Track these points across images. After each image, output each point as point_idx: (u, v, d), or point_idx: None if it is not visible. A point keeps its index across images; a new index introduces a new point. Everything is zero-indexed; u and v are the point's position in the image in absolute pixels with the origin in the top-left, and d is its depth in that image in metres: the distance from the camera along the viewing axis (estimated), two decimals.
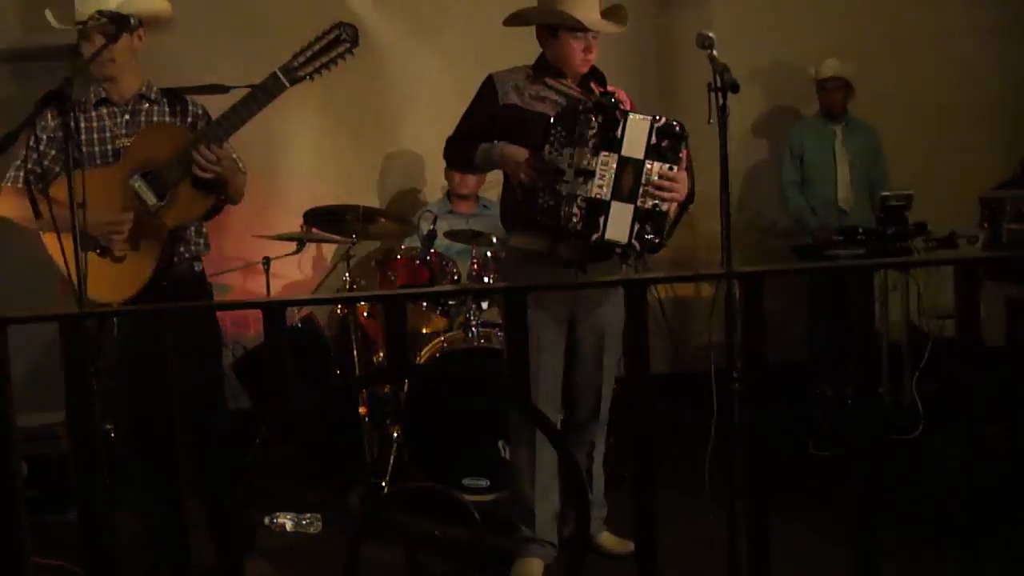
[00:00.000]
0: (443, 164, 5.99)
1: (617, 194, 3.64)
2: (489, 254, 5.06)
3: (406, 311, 2.45)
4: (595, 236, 3.66)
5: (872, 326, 5.51)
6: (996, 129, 6.73)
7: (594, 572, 3.92)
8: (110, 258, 3.53)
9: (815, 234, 5.89)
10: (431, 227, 5.25)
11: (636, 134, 3.63)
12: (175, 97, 3.75)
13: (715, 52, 3.13)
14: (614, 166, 3.63)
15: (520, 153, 3.76)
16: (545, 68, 3.91)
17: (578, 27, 3.75)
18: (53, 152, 3.64)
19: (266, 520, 4.60)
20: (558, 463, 3.99)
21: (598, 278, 3.94)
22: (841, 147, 6.10)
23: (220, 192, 3.59)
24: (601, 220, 3.65)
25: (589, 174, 3.62)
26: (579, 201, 3.64)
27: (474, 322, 4.99)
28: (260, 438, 5.24)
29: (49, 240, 3.45)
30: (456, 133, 4.03)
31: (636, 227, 3.65)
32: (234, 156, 3.75)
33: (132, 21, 3.44)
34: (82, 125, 3.65)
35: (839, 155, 6.09)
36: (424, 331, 5.15)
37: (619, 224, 3.66)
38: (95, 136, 3.65)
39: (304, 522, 4.60)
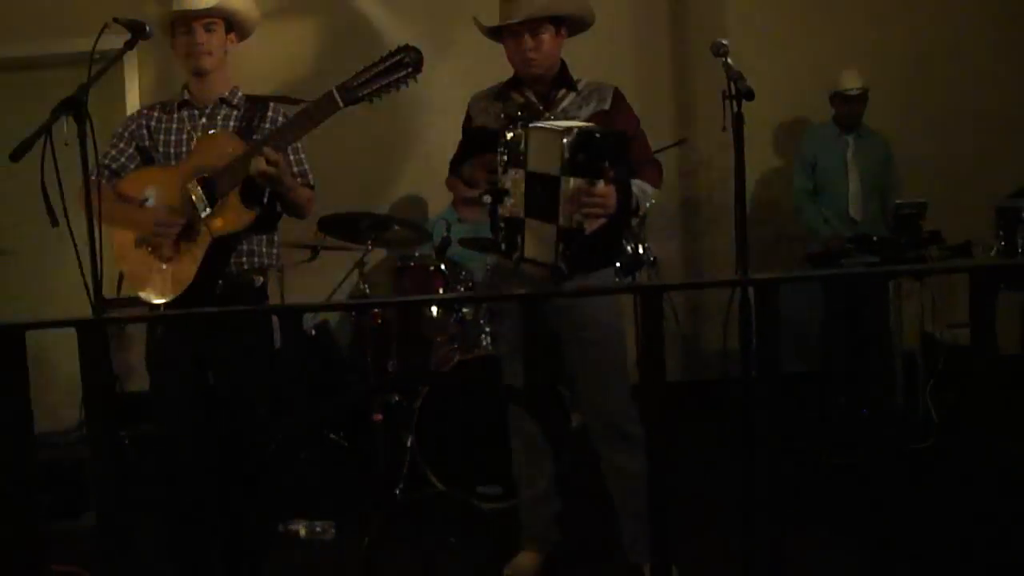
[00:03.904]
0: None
1: (530, 211, 3.50)
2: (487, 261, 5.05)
3: (423, 318, 2.44)
4: (515, 255, 3.57)
5: (887, 332, 5.52)
6: (1010, 138, 6.72)
7: None
8: (158, 257, 3.53)
9: (827, 243, 5.87)
10: (444, 235, 5.25)
11: (544, 147, 3.43)
12: (258, 104, 3.76)
13: (729, 60, 3.12)
14: (523, 183, 3.50)
15: (467, 177, 3.82)
16: (513, 79, 3.85)
17: (502, 29, 3.73)
18: (131, 150, 3.71)
19: (280, 527, 4.60)
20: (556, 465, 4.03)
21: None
22: (853, 157, 6.09)
23: (269, 205, 3.58)
24: (519, 238, 3.55)
25: (503, 193, 3.55)
26: (500, 222, 3.60)
27: (487, 329, 5.00)
28: (274, 445, 5.24)
29: (115, 237, 3.56)
30: (452, 162, 4.04)
31: (560, 247, 3.45)
32: (305, 167, 3.76)
33: (148, 29, 3.44)
34: (162, 126, 3.70)
35: (851, 165, 6.08)
36: (437, 338, 5.15)
37: (539, 243, 3.51)
38: (172, 138, 3.69)
39: (318, 529, 4.60)
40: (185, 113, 3.72)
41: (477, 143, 3.81)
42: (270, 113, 3.75)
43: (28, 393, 2.18)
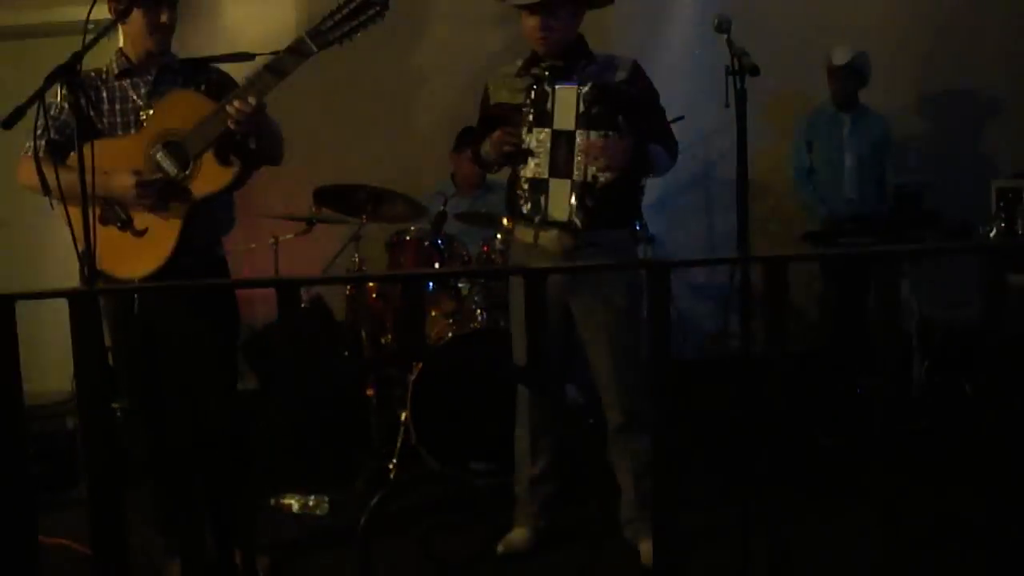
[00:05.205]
0: (445, 145, 5.99)
1: (554, 171, 3.60)
2: (499, 236, 5.02)
3: (422, 292, 2.41)
4: (537, 217, 3.64)
5: (897, 313, 5.50)
6: (1008, 119, 6.69)
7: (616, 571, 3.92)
8: (131, 232, 3.46)
9: (824, 222, 5.85)
10: (441, 209, 5.22)
11: (566, 105, 3.57)
12: (198, 66, 3.67)
13: (732, 35, 3.09)
14: (548, 142, 3.59)
15: (489, 148, 3.79)
16: (533, 56, 3.83)
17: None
18: (75, 121, 3.59)
19: (272, 502, 4.58)
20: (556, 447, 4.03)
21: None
22: (850, 136, 6.05)
23: (248, 159, 3.52)
24: (542, 200, 3.62)
25: (527, 154, 3.61)
26: (522, 183, 3.65)
27: (483, 304, 4.98)
28: (267, 419, 5.23)
29: (75, 216, 3.43)
30: (471, 144, 4.04)
31: (574, 202, 3.57)
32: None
33: None
34: (103, 95, 3.59)
35: (847, 144, 6.04)
36: (433, 313, 5.12)
37: (559, 202, 3.60)
38: (117, 106, 3.58)
39: (310, 503, 4.58)
40: (127, 82, 3.60)
41: (497, 120, 3.82)
42: (214, 75, 3.68)
43: (18, 363, 2.15)
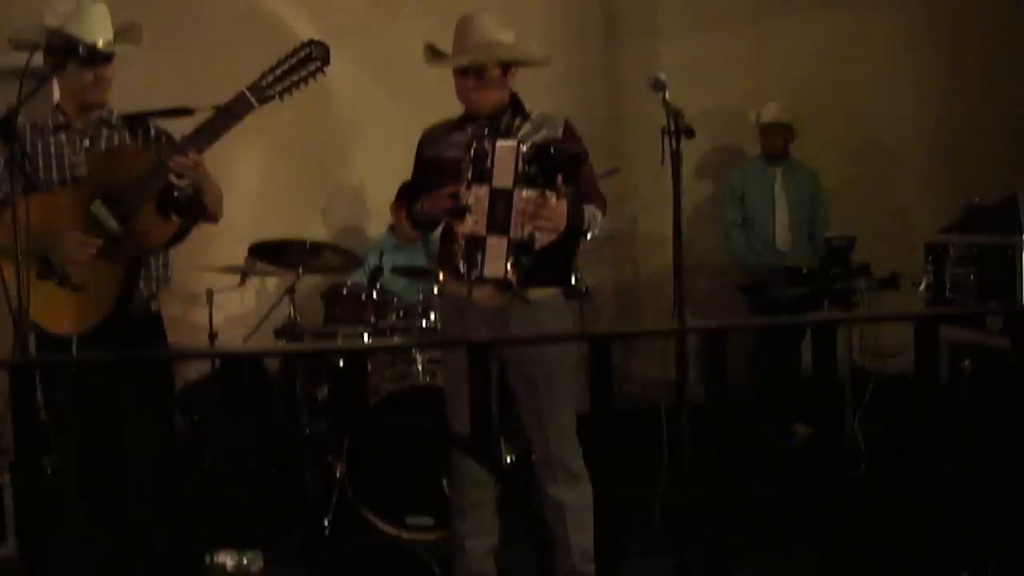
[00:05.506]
0: (388, 198, 6.00)
1: (491, 228, 3.58)
2: (436, 290, 5.02)
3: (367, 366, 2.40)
4: (473, 274, 3.62)
5: (830, 363, 5.55)
6: (934, 171, 6.86)
7: None
8: (69, 288, 3.40)
9: (756, 275, 5.93)
10: (377, 262, 5.21)
11: (505, 162, 3.56)
12: (136, 122, 3.66)
13: (668, 95, 3.11)
14: (486, 199, 3.58)
15: (426, 203, 3.75)
16: (467, 113, 3.85)
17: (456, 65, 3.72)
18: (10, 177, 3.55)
19: (207, 559, 4.51)
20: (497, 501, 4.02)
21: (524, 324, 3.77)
22: (780, 189, 6.16)
23: (188, 214, 3.50)
24: (479, 257, 3.60)
25: (464, 211, 3.59)
26: (459, 239, 3.63)
27: (420, 359, 4.97)
28: (200, 475, 5.16)
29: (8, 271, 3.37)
30: (406, 200, 3.96)
31: (511, 260, 3.56)
32: None
33: (81, 51, 3.38)
34: (39, 150, 3.55)
35: (778, 197, 6.15)
36: (369, 367, 5.10)
37: (495, 259, 3.59)
38: (53, 162, 3.55)
39: (245, 560, 4.52)
40: (63, 136, 3.58)
41: (433, 174, 3.80)
42: (152, 131, 3.69)
43: None
